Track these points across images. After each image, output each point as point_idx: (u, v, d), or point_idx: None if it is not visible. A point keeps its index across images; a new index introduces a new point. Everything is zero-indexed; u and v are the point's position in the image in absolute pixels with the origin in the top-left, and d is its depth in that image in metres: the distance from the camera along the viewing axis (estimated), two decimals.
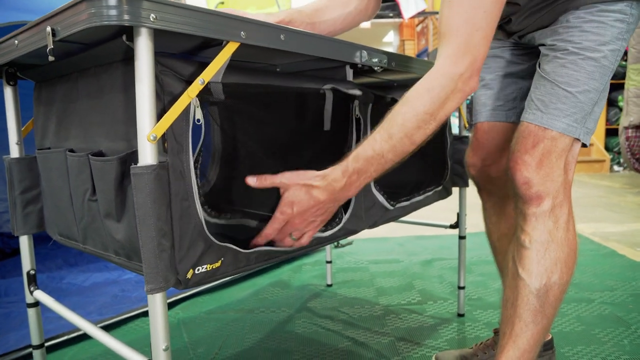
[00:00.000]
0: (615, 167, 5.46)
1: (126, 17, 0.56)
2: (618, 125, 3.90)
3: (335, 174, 0.77)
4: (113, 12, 0.56)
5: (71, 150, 0.83)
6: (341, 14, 1.10)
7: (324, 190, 0.77)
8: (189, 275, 0.68)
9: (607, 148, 5.51)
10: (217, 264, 0.72)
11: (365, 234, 2.52)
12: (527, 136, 0.87)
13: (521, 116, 0.91)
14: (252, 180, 0.80)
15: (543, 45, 0.91)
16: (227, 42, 0.67)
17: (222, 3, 5.41)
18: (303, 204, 0.77)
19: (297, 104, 1.04)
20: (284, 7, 4.84)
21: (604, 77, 0.85)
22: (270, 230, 0.79)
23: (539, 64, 0.91)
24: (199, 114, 0.67)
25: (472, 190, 1.21)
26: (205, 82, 0.65)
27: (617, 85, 5.05)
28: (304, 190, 0.77)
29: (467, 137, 1.34)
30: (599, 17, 0.84)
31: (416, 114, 0.75)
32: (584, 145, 0.89)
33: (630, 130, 3.67)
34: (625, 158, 3.80)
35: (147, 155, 0.60)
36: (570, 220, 0.89)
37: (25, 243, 0.99)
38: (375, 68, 0.98)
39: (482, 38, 0.75)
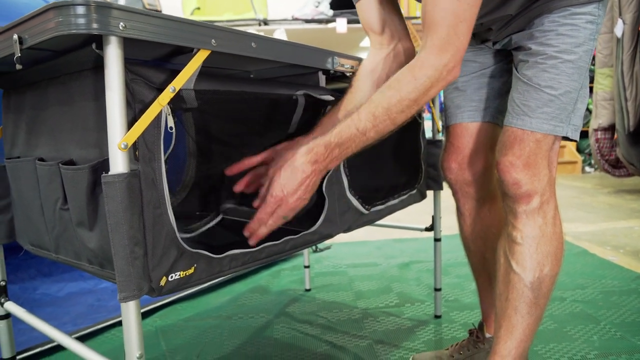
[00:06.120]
0: (587, 168, 5.60)
1: (95, 25, 0.56)
2: (589, 127, 4.00)
3: (319, 149, 0.81)
4: (81, 20, 0.56)
5: (41, 159, 0.82)
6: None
7: (308, 163, 0.81)
8: (162, 283, 0.68)
9: (579, 150, 5.65)
10: (191, 271, 0.72)
11: (344, 237, 2.53)
12: (514, 140, 0.91)
13: (505, 120, 0.94)
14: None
15: (520, 48, 0.94)
16: (198, 49, 0.67)
17: (198, 9, 5.39)
18: (293, 184, 0.81)
19: (271, 110, 1.05)
20: (261, 12, 4.84)
21: (581, 77, 0.90)
22: (263, 214, 0.82)
23: (517, 68, 0.94)
24: (170, 122, 0.67)
25: (446, 193, 1.23)
26: (177, 90, 0.65)
27: None
28: (290, 171, 0.81)
29: (440, 141, 1.37)
30: (572, 20, 0.87)
31: (401, 99, 0.80)
32: (571, 140, 0.93)
33: (599, 133, 3.77)
34: (596, 159, 3.90)
35: (118, 163, 0.60)
36: (556, 215, 0.95)
37: None
38: (347, 74, 0.99)
39: (467, 28, 0.79)
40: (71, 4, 0.55)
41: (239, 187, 0.97)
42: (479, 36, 1.04)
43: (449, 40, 0.78)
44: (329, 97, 0.96)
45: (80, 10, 0.55)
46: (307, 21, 4.73)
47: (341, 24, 4.56)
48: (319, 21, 4.70)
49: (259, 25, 4.81)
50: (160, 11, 4.76)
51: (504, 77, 1.07)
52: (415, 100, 0.80)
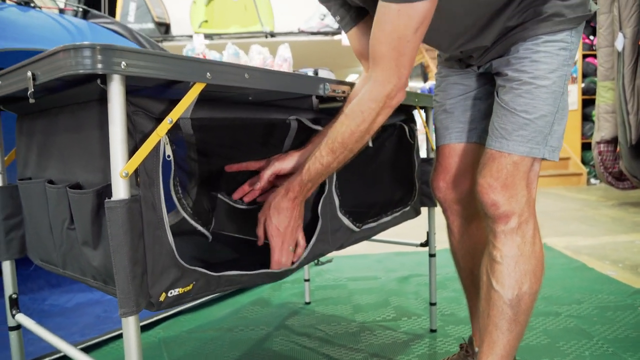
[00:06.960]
0: (592, 180, 5.60)
1: (99, 66, 0.62)
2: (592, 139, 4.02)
3: (294, 187, 0.94)
4: (88, 61, 0.61)
5: (51, 181, 0.88)
6: None
7: (289, 200, 0.94)
8: (161, 299, 0.73)
9: (584, 162, 5.65)
10: (189, 288, 0.77)
11: (345, 251, 2.56)
12: (492, 162, 0.96)
13: (486, 143, 0.99)
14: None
15: (499, 73, 0.99)
16: (194, 83, 0.73)
17: (206, 22, 5.48)
18: (284, 220, 0.94)
19: (265, 134, 1.11)
20: (267, 25, 4.93)
21: (557, 101, 0.94)
22: (277, 256, 0.94)
23: (497, 93, 0.98)
24: (168, 150, 0.73)
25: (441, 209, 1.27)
26: (174, 121, 0.71)
27: (590, 100, 5.21)
28: (277, 212, 0.95)
29: (433, 159, 1.41)
30: (545, 48, 0.92)
31: (352, 132, 0.90)
32: (548, 160, 0.98)
33: (602, 145, 3.78)
34: (599, 172, 3.91)
35: (120, 190, 0.66)
36: (536, 234, 0.98)
37: (7, 268, 1.03)
38: (337, 98, 1.04)
39: (407, 61, 0.87)
40: (79, 47, 0.61)
41: (237, 195, 1.09)
42: (463, 61, 1.09)
43: (391, 72, 0.86)
44: (319, 127, 1.02)
45: (87, 52, 0.61)
46: (313, 33, 4.81)
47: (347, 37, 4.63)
48: (325, 33, 4.78)
49: (265, 37, 4.89)
50: (169, 24, 4.87)
51: (489, 99, 1.12)
52: (366, 130, 0.90)
